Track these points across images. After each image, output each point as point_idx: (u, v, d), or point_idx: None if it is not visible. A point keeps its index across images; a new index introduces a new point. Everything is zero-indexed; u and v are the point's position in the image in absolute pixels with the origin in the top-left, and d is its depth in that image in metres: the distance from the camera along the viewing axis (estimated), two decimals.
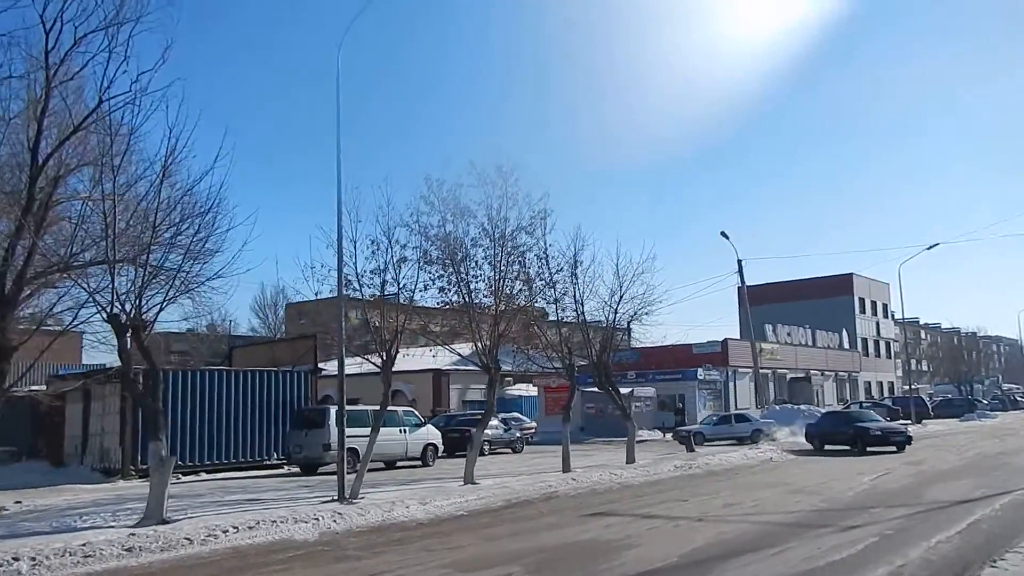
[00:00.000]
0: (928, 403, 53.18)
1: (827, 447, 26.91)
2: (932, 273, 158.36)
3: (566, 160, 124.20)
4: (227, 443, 22.41)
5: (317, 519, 11.59)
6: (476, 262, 18.16)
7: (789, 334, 58.90)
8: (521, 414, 48.34)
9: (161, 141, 11.61)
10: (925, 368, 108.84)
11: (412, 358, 49.51)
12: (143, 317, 11.57)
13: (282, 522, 11.20)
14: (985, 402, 63.22)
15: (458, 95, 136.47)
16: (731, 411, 40.11)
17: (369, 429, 22.38)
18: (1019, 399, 72.21)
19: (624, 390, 44.03)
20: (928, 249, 47.40)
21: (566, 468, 20.11)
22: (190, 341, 67.00)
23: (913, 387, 70.81)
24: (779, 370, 56.37)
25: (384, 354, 15.44)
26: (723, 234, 40.56)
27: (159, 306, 11.77)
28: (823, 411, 41.63)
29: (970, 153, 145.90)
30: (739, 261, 40.91)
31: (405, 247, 16.93)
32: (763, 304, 68.17)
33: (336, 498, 13.84)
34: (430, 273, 17.64)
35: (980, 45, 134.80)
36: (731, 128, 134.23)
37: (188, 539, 9.96)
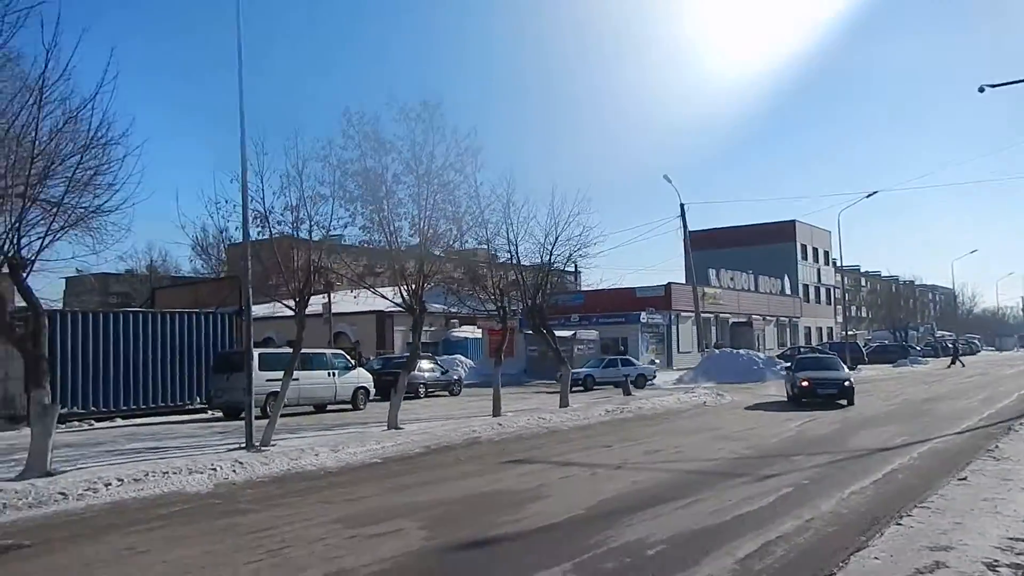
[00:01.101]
0: (863, 349, 54.17)
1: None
2: (874, 222, 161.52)
3: (504, 94, 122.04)
4: (144, 388, 21.45)
5: (215, 469, 10.96)
6: (400, 199, 17.39)
7: (732, 279, 59.32)
8: (466, 356, 48.18)
9: (33, 64, 10.48)
10: (864, 315, 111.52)
11: (357, 299, 48.90)
12: (22, 254, 10.62)
13: (175, 473, 10.54)
14: (918, 348, 64.83)
15: (386, 24, 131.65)
16: (618, 356, 38.86)
17: (299, 372, 21.99)
18: (950, 346, 74.27)
19: (566, 333, 44.00)
20: (867, 197, 47.82)
21: (496, 412, 19.78)
22: (131, 282, 65.06)
23: (851, 333, 72.47)
24: (721, 315, 56.85)
25: (297, 296, 14.62)
26: (666, 177, 40.37)
27: (41, 242, 10.81)
28: (763, 356, 42.20)
29: (912, 106, 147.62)
30: (681, 205, 40.79)
31: (322, 183, 16.12)
32: (708, 249, 68.50)
33: (244, 446, 13.21)
34: (349, 211, 16.85)
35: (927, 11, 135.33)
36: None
37: (63, 493, 9.24)
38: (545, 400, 25.10)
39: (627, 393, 26.90)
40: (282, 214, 14.75)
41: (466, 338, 51.22)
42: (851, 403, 21.33)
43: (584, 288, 42.16)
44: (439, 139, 17.50)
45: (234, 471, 11.04)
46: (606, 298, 54.12)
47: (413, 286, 17.39)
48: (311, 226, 14.63)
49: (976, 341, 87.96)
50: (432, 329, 49.80)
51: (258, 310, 55.17)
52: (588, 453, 13.44)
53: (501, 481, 10.64)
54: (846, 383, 21.89)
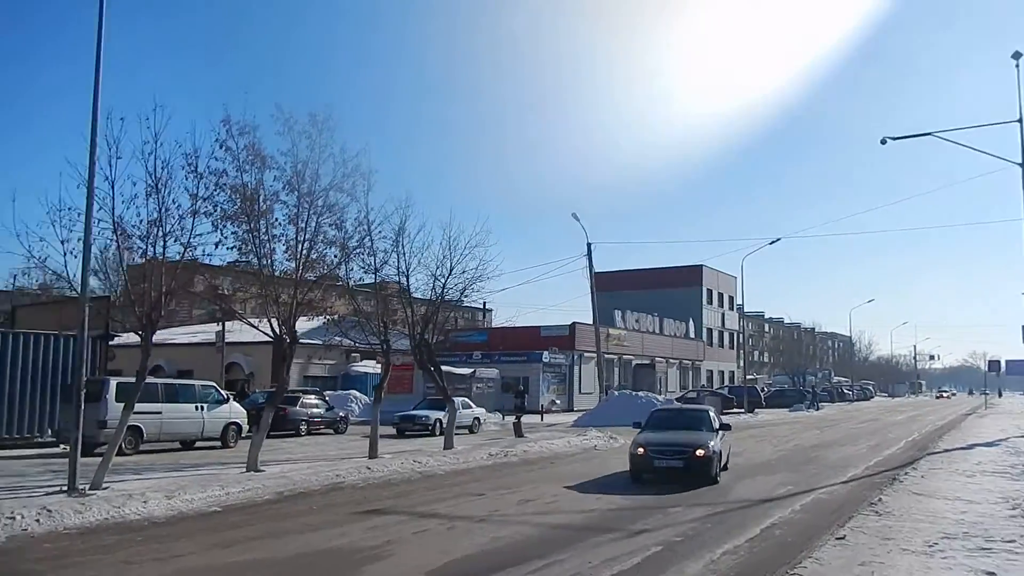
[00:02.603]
0: (761, 393, 54.88)
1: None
2: (779, 270, 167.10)
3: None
4: None
5: (15, 517, 9.40)
6: (277, 220, 16.17)
7: (638, 320, 59.52)
8: (365, 392, 46.48)
9: None
10: (766, 360, 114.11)
11: (252, 328, 46.63)
12: None
13: None
14: (815, 393, 66.23)
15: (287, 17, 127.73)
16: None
17: (162, 405, 20.27)
18: (846, 392, 76.54)
19: (465, 371, 43.00)
20: (770, 244, 48.73)
21: (372, 454, 18.54)
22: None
23: (752, 377, 73.72)
24: (625, 356, 56.84)
25: (145, 319, 13.14)
26: (574, 215, 40.04)
27: None
28: (661, 398, 41.99)
29: (816, 156, 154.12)
30: (588, 244, 40.43)
31: (194, 197, 14.79)
32: (616, 291, 68.83)
33: (66, 489, 11.63)
34: (223, 230, 15.52)
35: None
36: None
37: None
38: (432, 441, 23.92)
39: (518, 435, 25.92)
40: (139, 227, 13.27)
41: (366, 373, 49.42)
42: (711, 479, 14.29)
43: (498, 325, 41.32)
44: (326, 157, 16.48)
45: (38, 520, 9.52)
46: (511, 336, 53.49)
47: (286, 315, 16.10)
48: (166, 242, 13.13)
49: (870, 387, 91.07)
50: (332, 363, 47.98)
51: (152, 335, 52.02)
52: (456, 502, 12.38)
53: (345, 536, 9.46)
54: (700, 451, 14.18)
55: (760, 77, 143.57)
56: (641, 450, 14.71)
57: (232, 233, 15.40)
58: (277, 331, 15.93)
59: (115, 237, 13.02)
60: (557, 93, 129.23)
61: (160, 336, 51.28)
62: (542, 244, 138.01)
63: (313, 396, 29.91)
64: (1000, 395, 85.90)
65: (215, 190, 14.74)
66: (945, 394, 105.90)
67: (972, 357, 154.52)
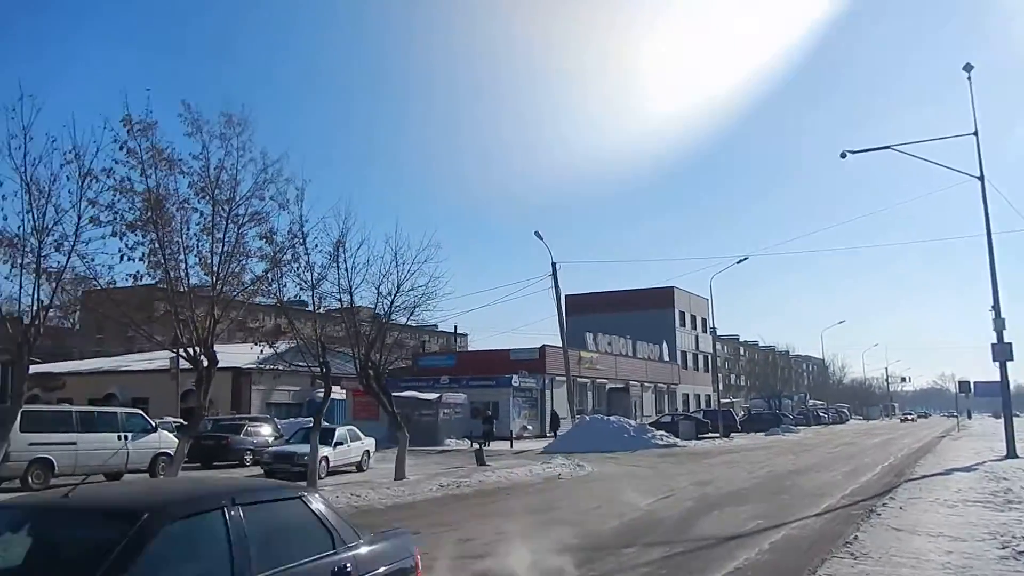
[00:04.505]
0: (736, 417, 53.71)
1: None
2: (751, 292, 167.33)
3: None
4: None
5: None
6: (190, 230, 14.73)
7: (610, 343, 58.24)
8: (327, 420, 44.68)
9: None
10: (743, 383, 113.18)
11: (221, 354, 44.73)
12: None
13: None
14: (791, 417, 65.23)
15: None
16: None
17: (77, 435, 18.58)
18: (822, 415, 75.62)
19: (431, 396, 41.35)
20: (738, 262, 47.81)
21: (311, 482, 16.98)
22: None
23: (729, 400, 72.57)
24: (599, 379, 55.47)
25: (21, 339, 11.61)
26: (536, 234, 38.67)
27: None
28: (634, 423, 40.62)
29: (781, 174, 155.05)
30: (553, 264, 39.09)
31: (100, 206, 13.35)
32: (587, 313, 67.69)
33: None
34: (125, 240, 14.06)
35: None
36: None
37: None
38: (388, 471, 22.32)
39: (480, 462, 24.40)
40: (20, 237, 11.79)
41: (333, 399, 47.56)
42: None
43: (463, 349, 39.84)
44: (246, 161, 15.10)
45: None
46: (479, 360, 52.07)
47: (203, 335, 14.62)
48: (40, 250, 11.65)
49: (846, 410, 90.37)
50: (296, 389, 46.27)
51: (102, 363, 49.78)
52: None
53: None
54: None
55: (729, 90, 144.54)
56: None
57: (137, 244, 14.01)
58: (189, 353, 14.41)
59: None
60: (521, 101, 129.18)
61: (115, 362, 49.39)
62: (507, 264, 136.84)
63: (263, 424, 28.20)
64: (969, 417, 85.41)
65: (115, 195, 13.36)
66: (910, 417, 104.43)
67: (941, 379, 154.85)
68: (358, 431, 25.27)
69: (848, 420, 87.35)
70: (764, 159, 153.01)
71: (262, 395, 47.04)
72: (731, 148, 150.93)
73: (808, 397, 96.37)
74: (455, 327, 72.00)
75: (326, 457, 20.91)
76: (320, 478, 19.11)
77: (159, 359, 48.12)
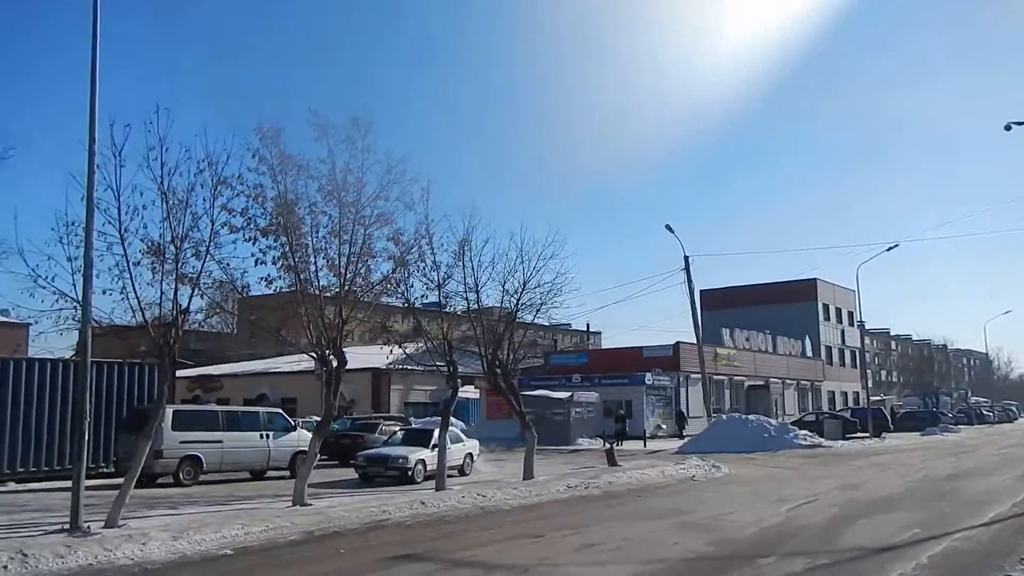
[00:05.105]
0: (888, 415, 50.37)
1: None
2: (900, 282, 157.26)
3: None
4: (54, 448, 18.84)
5: None
6: (321, 235, 14.97)
7: (748, 339, 56.05)
8: (465, 418, 45.32)
9: None
10: (895, 379, 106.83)
11: (355, 355, 46.19)
12: None
13: None
14: (950, 415, 60.72)
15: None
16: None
17: (223, 433, 19.40)
18: (985, 413, 69.99)
19: (562, 395, 40.98)
20: (888, 250, 44.59)
21: (439, 486, 16.98)
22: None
23: (879, 398, 68.42)
24: (736, 377, 53.50)
25: (162, 341, 12.01)
26: (668, 227, 37.61)
27: None
28: (775, 422, 38.77)
29: (935, 148, 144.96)
30: (686, 258, 37.90)
31: (233, 213, 13.76)
32: (724, 309, 65.54)
33: (68, 527, 10.51)
34: (258, 245, 14.46)
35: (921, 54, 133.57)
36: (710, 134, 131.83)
37: None
38: (516, 469, 22.13)
39: (611, 463, 23.80)
40: (161, 244, 12.23)
41: (468, 398, 48.16)
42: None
43: (603, 347, 39.27)
44: (371, 163, 15.20)
45: (5, 567, 8.34)
46: (612, 358, 51.30)
47: (331, 333, 14.83)
48: (179, 257, 12.03)
49: (1013, 408, 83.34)
50: (433, 389, 47.10)
51: (255, 365, 52.33)
52: (505, 546, 10.58)
53: None
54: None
55: (882, 73, 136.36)
56: None
57: (269, 248, 14.35)
58: (321, 353, 14.62)
59: (123, 251, 11.89)
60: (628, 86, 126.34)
61: (266, 364, 51.88)
62: (641, 259, 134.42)
63: (396, 422, 28.65)
64: None
65: (248, 202, 13.72)
66: None
67: None
68: (460, 432, 23.34)
69: (1017, 419, 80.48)
70: (917, 133, 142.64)
71: (400, 395, 48.34)
72: (877, 121, 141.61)
73: (970, 394, 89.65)
74: (587, 325, 71.48)
75: (422, 460, 19.43)
76: (416, 482, 18.66)
77: (306, 361, 50.09)
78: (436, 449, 18.16)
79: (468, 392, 47.77)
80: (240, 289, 14.71)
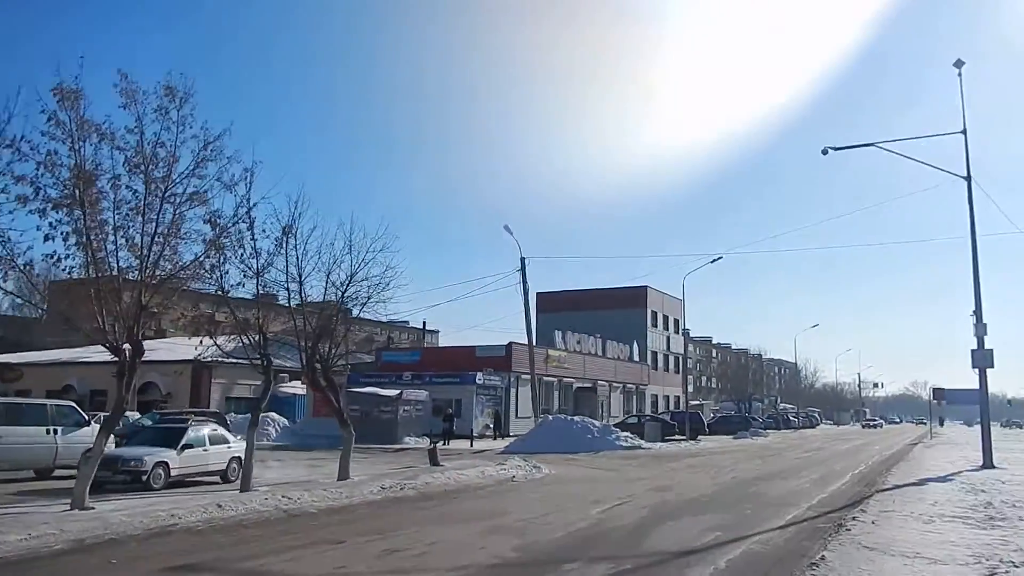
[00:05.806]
0: (704, 419, 53.08)
1: None
2: (725, 294, 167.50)
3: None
4: None
5: None
6: (119, 208, 13.57)
7: (579, 342, 57.31)
8: (291, 414, 43.62)
9: None
10: (714, 385, 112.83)
11: (175, 346, 42.99)
12: None
13: None
14: (760, 420, 64.85)
15: None
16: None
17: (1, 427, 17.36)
18: (792, 419, 75.38)
19: (391, 392, 40.17)
20: (712, 261, 47.03)
21: (244, 487, 15.90)
22: None
23: (698, 403, 71.99)
24: (566, 379, 54.55)
25: None
26: (506, 228, 37.76)
27: None
28: (599, 423, 39.70)
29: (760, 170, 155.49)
30: (522, 259, 38.13)
31: (22, 180, 12.25)
32: (558, 312, 66.74)
33: None
34: (49, 219, 12.93)
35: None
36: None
37: None
38: (333, 469, 21.21)
39: (433, 462, 23.34)
40: None
41: (294, 394, 46.28)
42: None
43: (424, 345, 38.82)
44: (187, 138, 13.97)
45: None
46: (444, 356, 51.01)
47: (131, 323, 13.48)
48: None
49: (816, 415, 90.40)
50: (258, 384, 44.80)
51: (61, 354, 48.29)
52: (302, 553, 9.81)
53: None
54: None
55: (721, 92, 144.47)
56: None
57: (59, 222, 12.87)
58: (109, 341, 13.23)
59: None
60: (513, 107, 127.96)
61: (75, 354, 47.81)
62: (478, 260, 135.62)
63: (209, 418, 26.86)
64: (942, 424, 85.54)
65: (38, 170, 12.25)
66: (873, 424, 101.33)
67: (913, 386, 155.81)
68: (226, 433, 19.94)
69: (819, 424, 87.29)
70: (744, 160, 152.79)
71: (223, 389, 45.71)
72: (715, 148, 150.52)
73: (779, 401, 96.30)
74: (423, 323, 70.84)
75: (163, 463, 16.62)
76: (154, 488, 15.95)
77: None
78: (185, 451, 17.08)
79: (295, 388, 46.02)
80: (23, 267, 13.15)
